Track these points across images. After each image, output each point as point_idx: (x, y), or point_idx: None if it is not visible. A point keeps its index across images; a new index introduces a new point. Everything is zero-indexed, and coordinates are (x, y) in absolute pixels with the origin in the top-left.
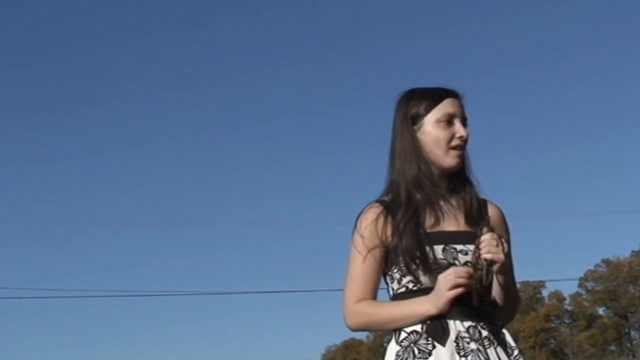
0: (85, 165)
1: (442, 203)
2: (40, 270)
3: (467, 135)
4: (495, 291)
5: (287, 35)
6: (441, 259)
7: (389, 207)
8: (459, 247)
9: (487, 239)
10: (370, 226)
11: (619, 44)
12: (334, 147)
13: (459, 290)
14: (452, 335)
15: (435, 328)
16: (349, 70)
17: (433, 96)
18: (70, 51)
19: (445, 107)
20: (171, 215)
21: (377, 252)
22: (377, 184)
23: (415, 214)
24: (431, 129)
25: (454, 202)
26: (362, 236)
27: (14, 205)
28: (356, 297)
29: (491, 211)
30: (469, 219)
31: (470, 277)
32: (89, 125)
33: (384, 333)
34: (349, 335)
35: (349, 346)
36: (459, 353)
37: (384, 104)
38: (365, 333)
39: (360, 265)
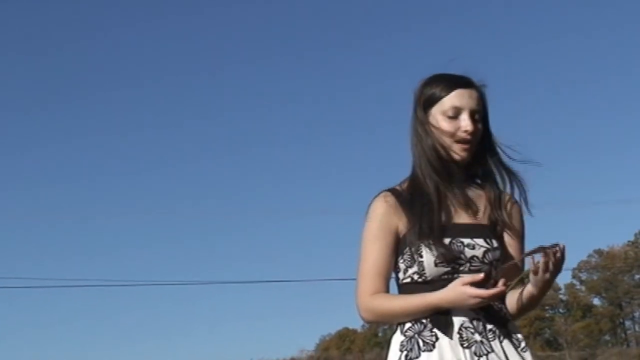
0: (84, 154)
1: (456, 194)
2: (35, 260)
3: (474, 129)
4: (522, 295)
5: (282, 22)
6: (447, 252)
7: (400, 196)
8: (466, 240)
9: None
10: (381, 216)
11: (617, 34)
12: (329, 137)
13: (481, 301)
14: (456, 327)
15: (440, 319)
16: (356, 61)
17: (443, 86)
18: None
19: (452, 99)
20: (170, 205)
21: (390, 242)
22: (371, 174)
23: (426, 204)
24: (438, 120)
25: (470, 193)
26: (374, 226)
27: (12, 195)
28: (370, 290)
29: (507, 206)
30: (483, 212)
31: (483, 282)
32: (94, 112)
33: (378, 324)
34: (342, 325)
35: (343, 336)
36: (462, 345)
37: (389, 89)
38: (360, 323)
39: (373, 256)
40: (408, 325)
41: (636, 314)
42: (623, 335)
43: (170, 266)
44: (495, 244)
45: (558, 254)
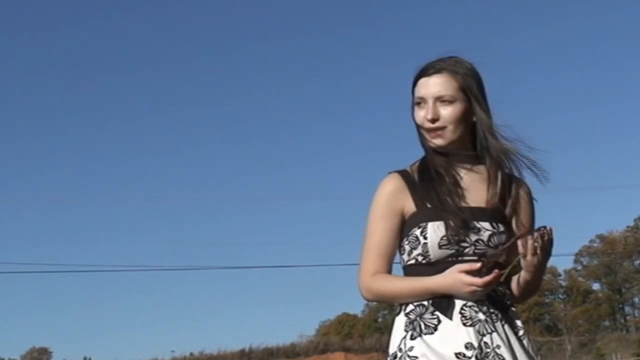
0: (82, 141)
1: (463, 177)
2: (30, 245)
3: (433, 116)
4: (519, 279)
5: (280, 6)
6: (452, 235)
7: (409, 177)
8: (471, 223)
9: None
10: (387, 197)
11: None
12: (330, 123)
13: (476, 290)
14: (457, 307)
15: (441, 301)
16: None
17: (414, 78)
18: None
19: (416, 92)
20: (169, 192)
21: (394, 223)
22: (372, 161)
23: (433, 187)
24: (414, 113)
25: (477, 176)
26: (379, 207)
27: (10, 181)
28: (372, 270)
29: (516, 189)
30: (490, 195)
31: (479, 270)
32: (87, 99)
33: (378, 308)
34: (342, 310)
35: (343, 321)
36: (465, 323)
37: (396, 74)
38: (360, 308)
39: (376, 237)
40: (410, 307)
41: (636, 300)
42: (622, 320)
43: (168, 252)
44: (501, 227)
45: (545, 237)
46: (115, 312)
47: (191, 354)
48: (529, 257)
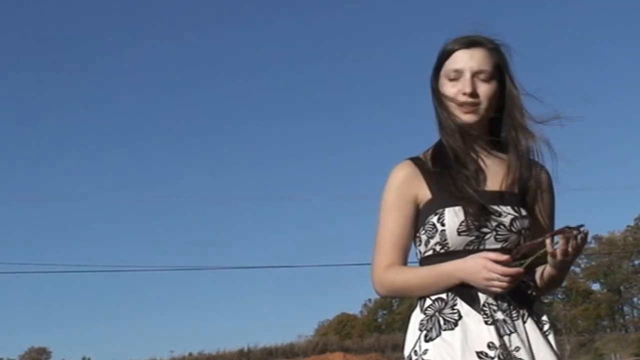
0: (62, 142)
1: (482, 161)
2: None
3: (472, 91)
4: (543, 273)
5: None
6: (471, 220)
7: (423, 164)
8: (492, 208)
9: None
10: (399, 185)
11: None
12: (329, 122)
13: (494, 286)
14: (481, 302)
15: (464, 292)
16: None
17: (445, 51)
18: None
19: (452, 62)
20: (169, 191)
21: (407, 212)
22: (369, 161)
23: (449, 172)
24: (443, 84)
25: (497, 160)
26: (391, 195)
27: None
28: (385, 263)
29: (537, 175)
30: (511, 180)
31: (506, 261)
32: (86, 98)
33: (377, 308)
34: (341, 310)
35: (342, 321)
36: (486, 322)
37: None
38: (359, 308)
39: (389, 227)
40: (428, 302)
41: (635, 300)
42: (622, 320)
43: (168, 252)
44: (523, 212)
45: (579, 238)
46: (114, 312)
47: (190, 354)
48: (558, 256)
